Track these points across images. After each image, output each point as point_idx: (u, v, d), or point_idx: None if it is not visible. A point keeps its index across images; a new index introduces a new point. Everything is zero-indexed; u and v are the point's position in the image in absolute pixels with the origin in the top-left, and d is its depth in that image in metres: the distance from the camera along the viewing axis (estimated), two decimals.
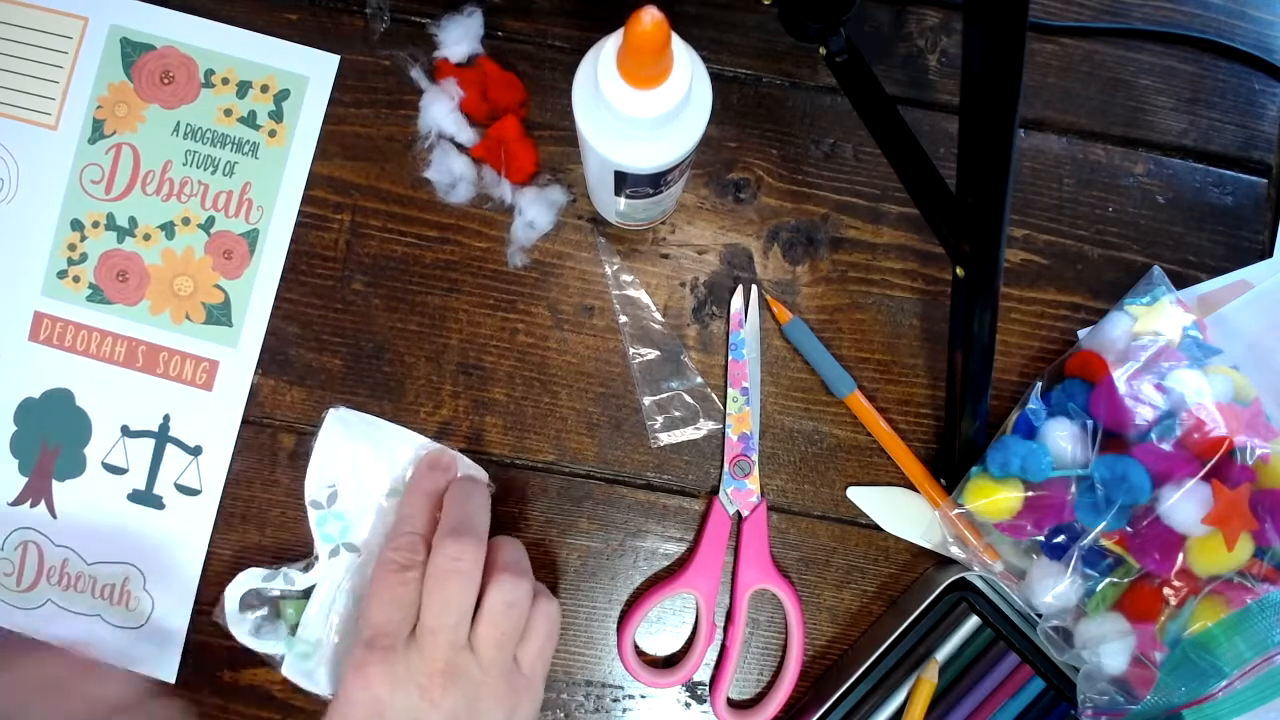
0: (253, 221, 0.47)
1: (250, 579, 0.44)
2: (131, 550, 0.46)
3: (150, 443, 0.46)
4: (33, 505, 0.46)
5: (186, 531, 0.46)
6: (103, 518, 0.46)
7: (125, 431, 0.46)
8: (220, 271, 0.47)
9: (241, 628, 0.44)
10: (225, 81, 0.47)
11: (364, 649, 0.37)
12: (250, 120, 0.47)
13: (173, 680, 0.46)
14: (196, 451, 0.46)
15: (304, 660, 0.44)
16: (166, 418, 0.46)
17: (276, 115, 0.47)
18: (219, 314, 0.47)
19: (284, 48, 0.47)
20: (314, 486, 0.45)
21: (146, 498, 0.46)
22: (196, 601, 0.46)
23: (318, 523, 0.45)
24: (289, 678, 0.44)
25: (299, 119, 0.47)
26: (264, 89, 0.47)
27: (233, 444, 0.46)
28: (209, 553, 0.46)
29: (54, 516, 0.47)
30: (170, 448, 0.46)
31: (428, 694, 0.37)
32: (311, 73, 0.47)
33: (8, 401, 0.47)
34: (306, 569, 0.45)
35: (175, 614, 0.46)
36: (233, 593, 0.44)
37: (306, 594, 0.44)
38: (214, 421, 0.46)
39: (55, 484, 0.46)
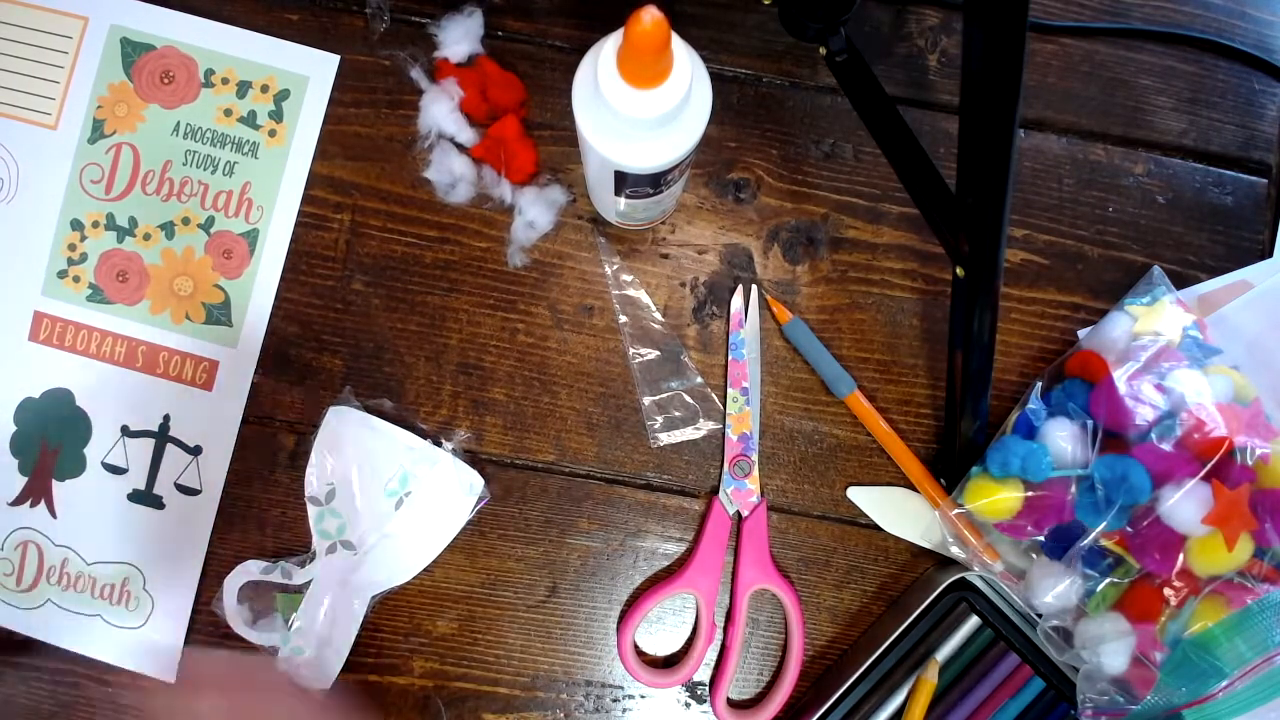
0: (252, 221, 0.47)
1: (248, 571, 0.45)
2: (131, 550, 0.46)
3: (150, 443, 0.46)
4: (33, 505, 0.46)
5: (186, 531, 0.46)
6: (103, 517, 0.46)
7: (125, 431, 0.46)
8: (220, 271, 0.47)
9: (238, 618, 0.45)
10: (225, 81, 0.47)
11: None
12: (250, 120, 0.47)
13: (172, 680, 0.46)
14: (196, 451, 0.46)
15: (298, 654, 0.45)
16: (166, 417, 0.46)
17: (276, 115, 0.47)
18: (219, 314, 0.47)
19: (284, 47, 0.47)
20: (313, 483, 0.45)
21: (146, 497, 0.46)
22: (196, 601, 0.46)
23: (315, 519, 0.45)
24: (284, 670, 0.45)
25: (299, 119, 0.47)
26: (264, 89, 0.47)
27: (233, 444, 0.46)
28: (209, 553, 0.46)
29: (54, 516, 0.47)
30: (170, 447, 0.46)
31: None
32: (311, 73, 0.47)
33: (8, 401, 0.47)
34: (303, 564, 0.45)
35: (175, 614, 0.46)
36: (231, 584, 0.45)
37: (303, 589, 0.45)
38: (214, 421, 0.46)
39: (55, 484, 0.46)
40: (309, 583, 0.45)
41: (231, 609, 0.44)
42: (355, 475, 0.45)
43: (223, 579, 0.45)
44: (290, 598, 0.45)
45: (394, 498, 0.45)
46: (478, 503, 0.45)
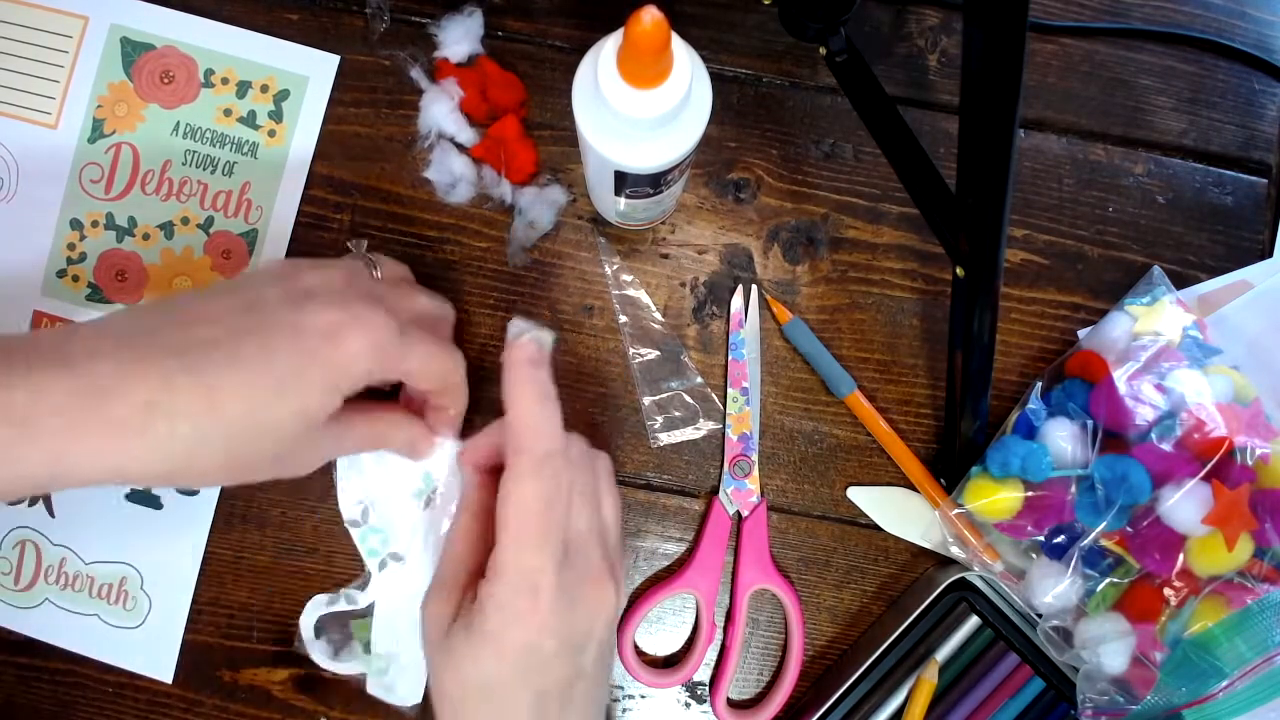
0: (251, 221, 0.47)
1: (317, 606, 0.44)
2: (129, 550, 0.46)
3: None
4: (31, 504, 0.46)
5: (184, 532, 0.46)
6: (101, 517, 0.46)
7: None
8: (219, 271, 0.47)
9: (322, 654, 0.44)
10: (225, 81, 0.47)
11: None
12: (250, 120, 0.47)
13: (169, 680, 0.46)
14: None
15: (382, 675, 0.44)
16: None
17: (276, 115, 0.47)
18: None
19: (284, 48, 0.47)
20: (347, 506, 0.44)
21: (145, 497, 0.46)
22: (194, 602, 0.46)
23: (360, 539, 0.44)
24: (375, 695, 0.44)
25: (298, 119, 0.47)
26: (264, 89, 0.47)
27: None
28: (208, 553, 0.46)
29: (52, 516, 0.46)
30: None
31: None
32: (311, 73, 0.47)
33: None
34: (363, 587, 0.45)
35: (172, 614, 0.46)
36: (306, 622, 0.44)
37: (369, 611, 0.45)
38: None
39: None
40: (373, 604, 0.45)
41: (313, 645, 0.44)
42: (383, 485, 0.44)
43: (222, 578, 0.45)
44: (363, 622, 0.45)
45: (421, 497, 0.45)
46: None
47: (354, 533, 0.45)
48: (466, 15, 0.46)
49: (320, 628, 0.44)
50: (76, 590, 0.46)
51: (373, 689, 0.44)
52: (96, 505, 0.46)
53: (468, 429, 0.46)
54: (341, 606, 0.44)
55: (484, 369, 0.47)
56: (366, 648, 0.44)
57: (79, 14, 0.47)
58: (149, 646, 0.46)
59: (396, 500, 0.44)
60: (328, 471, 0.45)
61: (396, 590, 0.44)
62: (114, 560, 0.46)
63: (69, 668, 0.46)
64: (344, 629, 0.45)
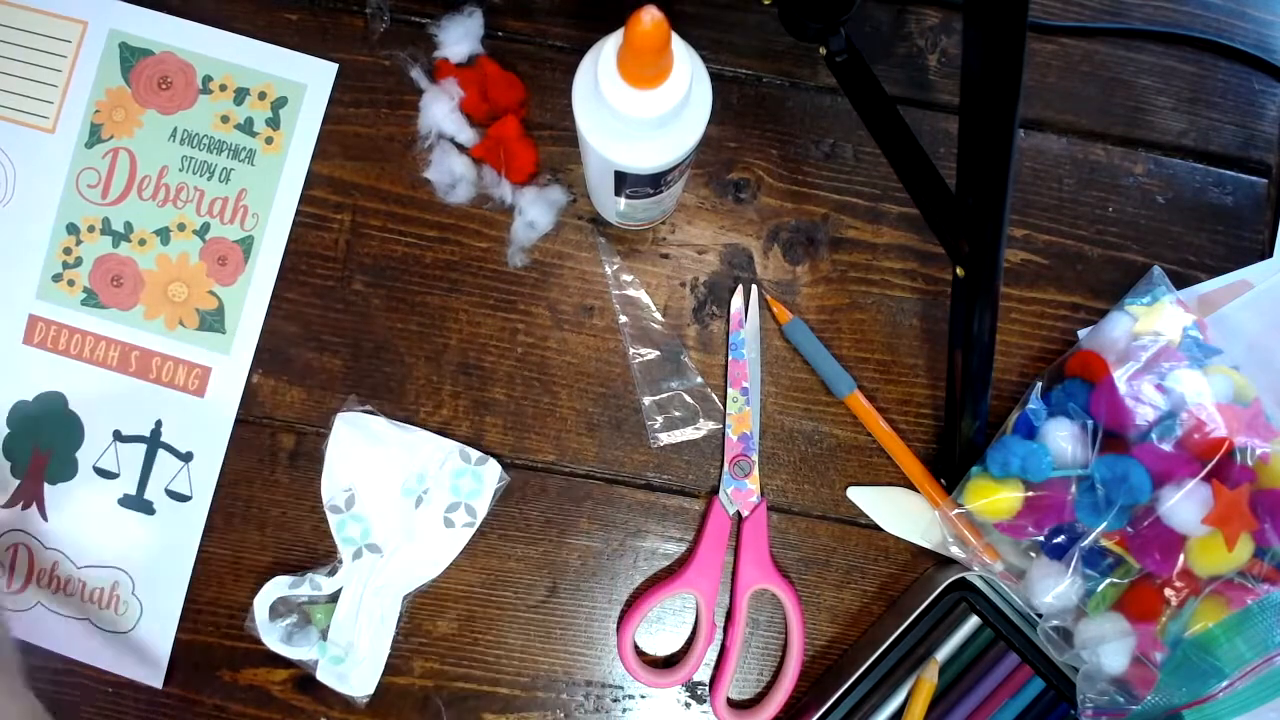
0: (248, 228, 0.47)
1: (277, 587, 0.44)
2: (121, 555, 0.46)
3: (142, 448, 0.46)
4: (24, 508, 0.46)
5: (176, 537, 0.46)
6: (93, 522, 0.46)
7: (117, 436, 0.46)
8: (214, 278, 0.47)
9: (273, 636, 0.44)
10: (223, 88, 0.47)
11: None
12: (247, 127, 0.47)
13: (160, 685, 0.45)
14: (188, 458, 0.46)
15: (337, 664, 0.44)
16: (158, 423, 0.46)
17: (273, 122, 0.47)
18: (212, 320, 0.46)
19: (282, 55, 0.47)
20: (331, 491, 0.45)
21: (137, 503, 0.46)
22: (185, 608, 0.46)
23: (338, 527, 0.45)
24: (324, 681, 0.44)
25: (295, 126, 0.47)
26: (261, 96, 0.47)
27: (224, 451, 0.46)
28: (206, 553, 0.46)
29: (45, 519, 0.46)
30: (161, 453, 0.46)
31: None
32: (309, 80, 0.47)
33: (1, 404, 0.46)
34: (332, 573, 0.45)
35: (163, 619, 0.46)
36: (261, 601, 0.44)
37: (334, 598, 0.45)
38: (205, 428, 0.46)
39: (47, 487, 0.46)
40: (339, 591, 0.45)
41: (265, 626, 0.44)
42: (372, 477, 0.45)
43: (221, 579, 0.45)
44: (323, 608, 0.45)
45: (412, 496, 0.45)
46: (498, 485, 0.45)
47: (332, 518, 0.45)
48: (466, 15, 0.46)
49: (275, 610, 0.44)
50: (68, 594, 0.46)
51: (323, 676, 0.44)
52: (89, 509, 0.46)
53: (475, 428, 0.46)
54: (304, 590, 0.44)
55: (484, 369, 0.46)
56: (322, 634, 0.44)
57: (78, 19, 0.47)
58: (140, 651, 0.46)
59: (385, 493, 0.45)
60: None
61: (366, 581, 0.45)
62: (106, 565, 0.46)
63: (69, 668, 0.46)
64: (300, 613, 0.45)
